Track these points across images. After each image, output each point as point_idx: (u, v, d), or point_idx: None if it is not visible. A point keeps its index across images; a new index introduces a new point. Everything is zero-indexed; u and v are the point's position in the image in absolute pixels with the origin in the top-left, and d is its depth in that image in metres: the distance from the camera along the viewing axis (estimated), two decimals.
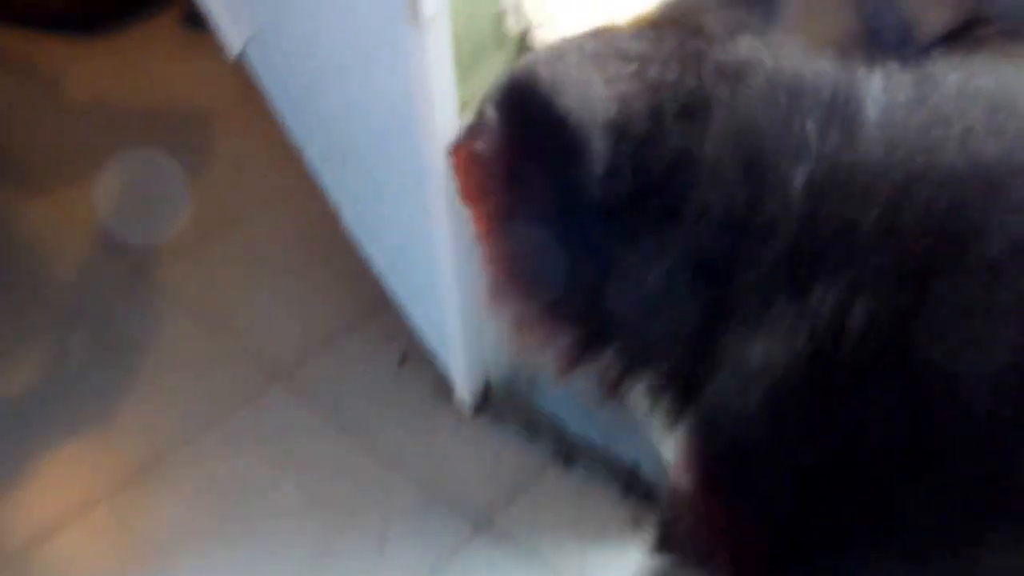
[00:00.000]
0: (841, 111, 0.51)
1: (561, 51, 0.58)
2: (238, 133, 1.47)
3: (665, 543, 0.83)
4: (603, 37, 0.58)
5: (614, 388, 0.61)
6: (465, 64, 0.75)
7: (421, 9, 0.69)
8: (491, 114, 0.59)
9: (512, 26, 0.78)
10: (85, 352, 1.17)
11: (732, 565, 0.62)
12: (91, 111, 1.56)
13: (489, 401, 1.05)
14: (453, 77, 0.74)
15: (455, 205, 0.81)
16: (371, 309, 1.17)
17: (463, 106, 0.78)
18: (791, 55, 0.53)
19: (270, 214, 1.35)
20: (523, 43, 0.80)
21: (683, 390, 0.59)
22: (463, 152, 0.64)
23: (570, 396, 0.93)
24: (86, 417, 1.09)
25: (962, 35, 0.56)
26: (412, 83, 0.74)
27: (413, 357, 1.12)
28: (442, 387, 1.07)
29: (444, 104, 0.75)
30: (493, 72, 0.78)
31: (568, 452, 0.99)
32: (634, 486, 0.95)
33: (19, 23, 1.67)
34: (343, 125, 0.90)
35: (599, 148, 0.52)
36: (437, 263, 0.88)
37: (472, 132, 0.62)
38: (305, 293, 1.22)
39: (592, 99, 0.53)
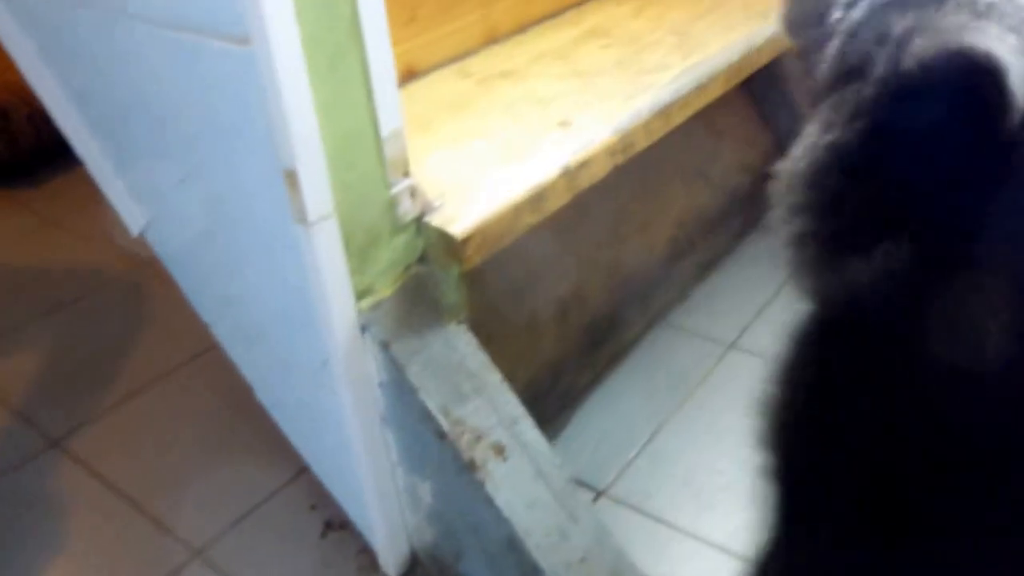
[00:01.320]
0: None
1: None
2: (155, 296, 1.56)
3: None
4: None
5: None
6: (360, 255, 0.85)
7: (307, 211, 0.79)
8: None
9: (407, 212, 0.88)
10: None
11: None
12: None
13: (415, 571, 1.11)
14: (347, 270, 0.84)
15: (361, 386, 0.89)
16: (294, 477, 1.23)
17: (362, 294, 0.87)
18: None
19: (188, 380, 1.42)
20: (420, 226, 0.90)
21: None
22: None
23: (495, 564, 1.00)
24: None
25: None
26: (307, 277, 0.83)
27: (337, 526, 1.18)
28: (367, 557, 1.13)
29: (340, 295, 0.84)
30: (391, 258, 0.88)
31: None
32: None
33: None
34: (246, 309, 0.99)
35: None
36: (348, 441, 0.95)
37: None
38: (225, 461, 1.29)
39: None
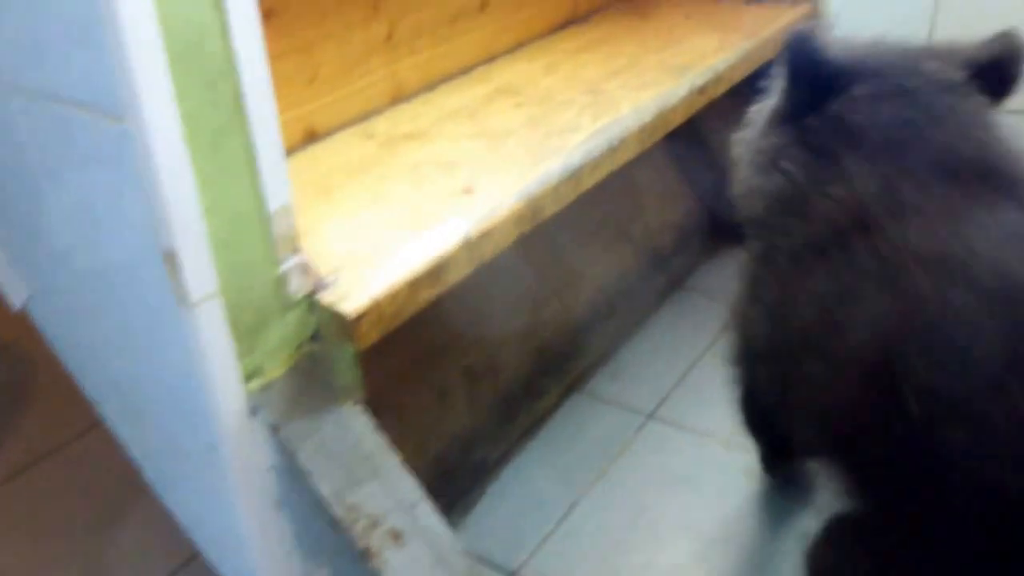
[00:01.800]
0: None
1: None
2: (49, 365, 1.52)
3: None
4: None
5: None
6: (248, 335, 0.84)
7: (189, 293, 0.78)
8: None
9: (297, 289, 0.88)
10: None
11: None
12: None
13: None
14: (234, 351, 0.83)
15: (251, 471, 0.89)
16: (184, 563, 1.21)
17: (251, 375, 0.86)
18: None
19: (78, 456, 1.39)
20: (312, 304, 0.90)
21: None
22: None
23: None
24: None
25: None
26: (192, 359, 0.82)
27: None
28: None
29: (227, 377, 0.83)
30: (282, 337, 0.88)
31: None
32: None
33: None
34: (132, 390, 0.97)
35: None
36: (240, 527, 0.94)
37: None
38: (112, 543, 1.25)
39: None
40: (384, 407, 1.10)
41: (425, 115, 1.32)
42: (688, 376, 1.45)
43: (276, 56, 1.16)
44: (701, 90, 1.36)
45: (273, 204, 0.82)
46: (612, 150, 1.19)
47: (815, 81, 0.85)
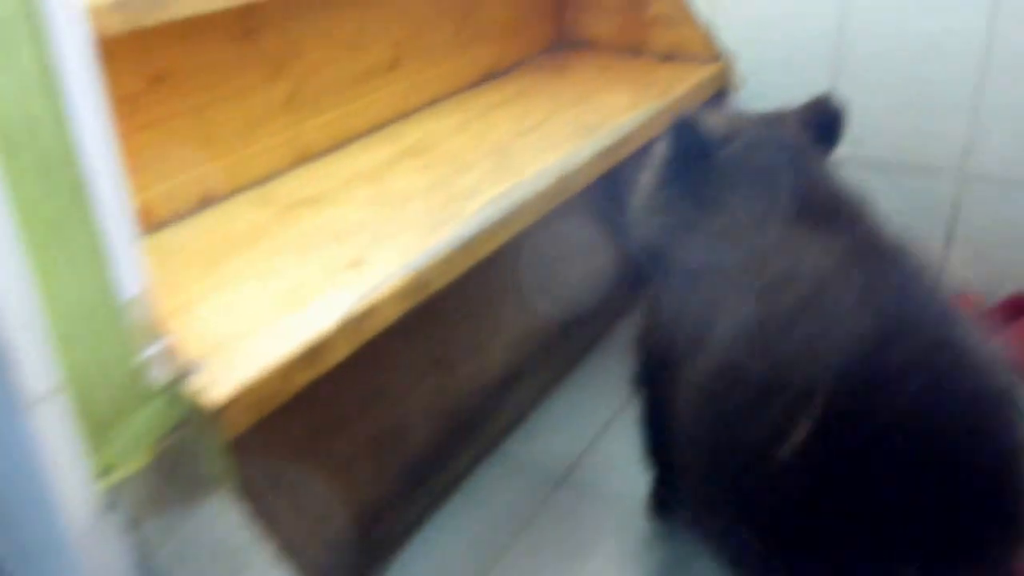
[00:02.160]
0: None
1: None
2: None
3: None
4: None
5: None
6: (100, 430, 0.80)
7: (28, 391, 0.74)
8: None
9: (158, 378, 0.84)
10: None
11: None
12: None
13: None
14: (83, 447, 0.79)
15: (106, 573, 0.83)
16: None
17: (104, 471, 0.82)
18: None
19: None
20: (174, 393, 0.86)
21: None
22: None
23: None
24: None
25: None
26: (34, 458, 0.77)
27: None
28: None
29: (73, 475, 0.79)
30: (140, 429, 0.83)
31: None
32: None
33: None
34: None
35: None
36: None
37: None
38: None
39: None
40: (277, 487, 1.05)
41: (328, 178, 1.28)
42: (601, 439, 1.41)
43: (168, 118, 1.13)
44: (606, 152, 1.34)
45: (125, 293, 0.78)
46: (508, 218, 1.16)
47: (693, 151, 1.05)
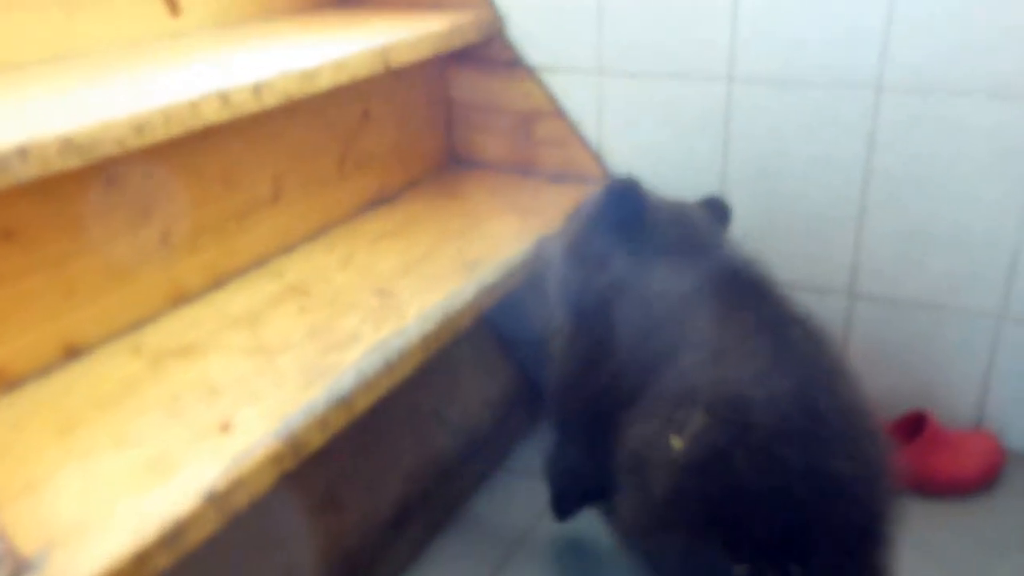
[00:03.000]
0: None
1: None
2: None
3: None
4: None
5: None
6: None
7: None
8: None
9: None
10: None
11: None
12: None
13: None
14: None
15: None
16: None
17: None
18: None
19: None
20: None
21: None
22: None
23: None
24: None
25: None
26: None
27: None
28: None
29: None
30: None
31: None
32: None
33: None
34: None
35: None
36: None
37: None
38: None
39: None
40: None
41: (204, 321, 1.23)
42: (505, 568, 1.36)
43: (20, 273, 1.06)
44: (492, 289, 1.31)
45: None
46: (389, 367, 1.12)
47: (632, 211, 1.16)
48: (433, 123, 1.78)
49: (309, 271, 1.38)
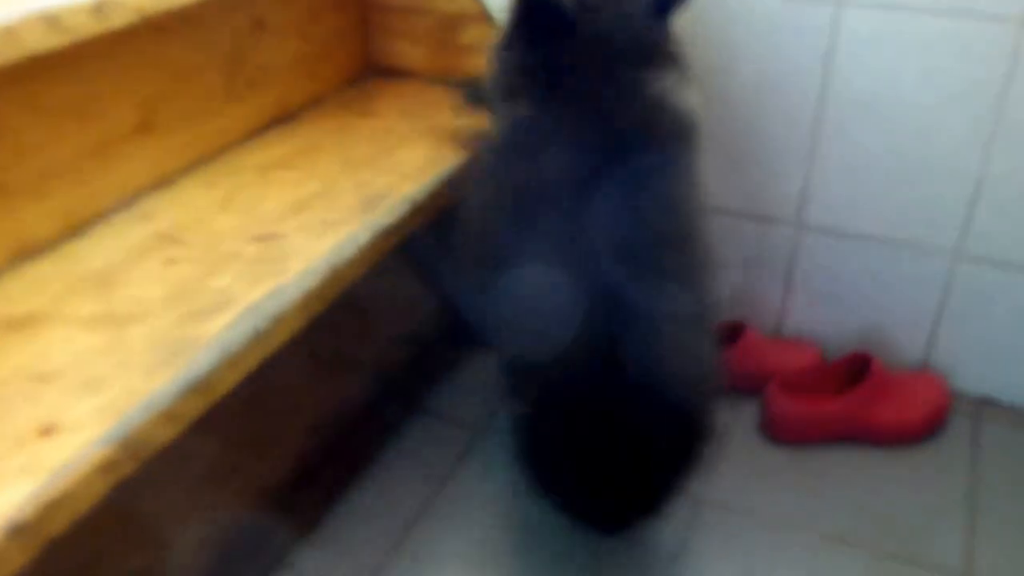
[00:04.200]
0: None
1: None
2: None
3: None
4: None
5: None
6: None
7: None
8: None
9: None
10: None
11: None
12: None
13: None
14: None
15: None
16: None
17: None
18: None
19: None
20: None
21: None
22: None
23: None
24: None
25: None
26: None
27: None
28: None
29: None
30: None
31: None
32: None
33: None
34: None
35: None
36: None
37: None
38: None
39: None
40: None
41: (50, 282, 1.03)
42: (414, 528, 1.22)
43: None
44: (388, 232, 1.13)
45: None
46: (261, 337, 0.94)
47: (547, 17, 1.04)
48: (343, 30, 1.55)
49: (184, 213, 1.18)
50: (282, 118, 1.45)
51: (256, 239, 1.11)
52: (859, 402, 1.35)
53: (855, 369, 1.42)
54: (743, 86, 1.39)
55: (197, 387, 0.87)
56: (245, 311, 0.96)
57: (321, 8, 1.49)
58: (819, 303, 1.49)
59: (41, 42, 0.91)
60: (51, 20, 0.90)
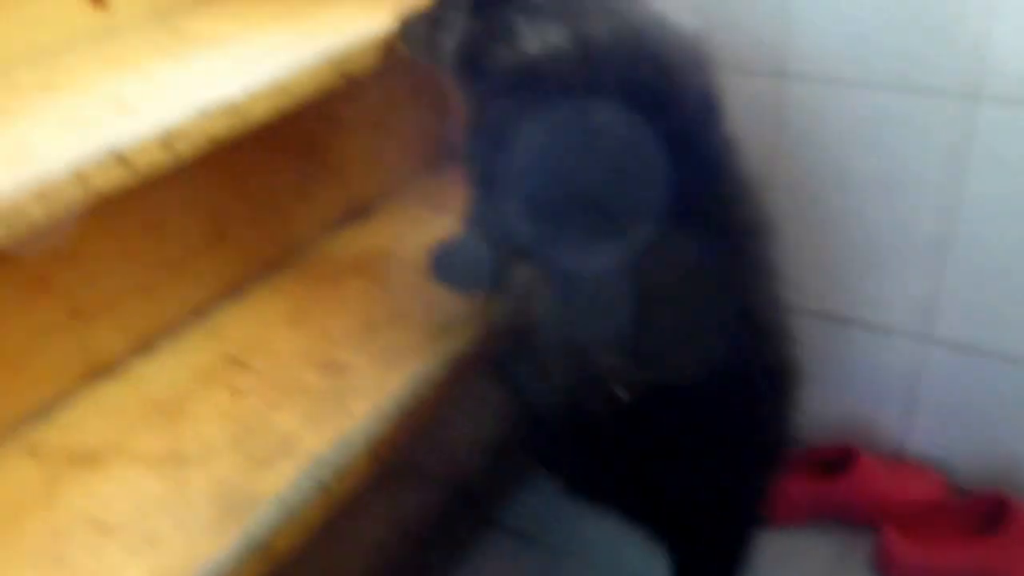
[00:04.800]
0: None
1: None
2: None
3: None
4: None
5: None
6: None
7: None
8: None
9: None
10: None
11: None
12: None
13: None
14: None
15: None
16: None
17: None
18: None
19: None
20: None
21: None
22: None
23: None
24: None
25: None
26: None
27: None
28: None
29: None
30: None
31: None
32: None
33: None
34: None
35: None
36: None
37: None
38: None
39: None
40: None
41: (120, 407, 1.05)
42: None
43: None
44: (464, 362, 1.12)
45: None
46: (326, 492, 0.93)
47: None
48: (418, 118, 1.54)
49: (251, 329, 1.18)
50: (356, 212, 1.45)
51: (321, 366, 1.11)
52: (996, 553, 1.25)
53: (991, 511, 1.31)
54: (865, 181, 1.33)
55: (258, 549, 0.87)
56: (309, 464, 0.96)
57: (396, 98, 1.48)
58: (947, 427, 1.40)
59: (112, 181, 0.91)
60: (121, 159, 0.91)
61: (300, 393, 1.06)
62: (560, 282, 0.97)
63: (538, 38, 0.95)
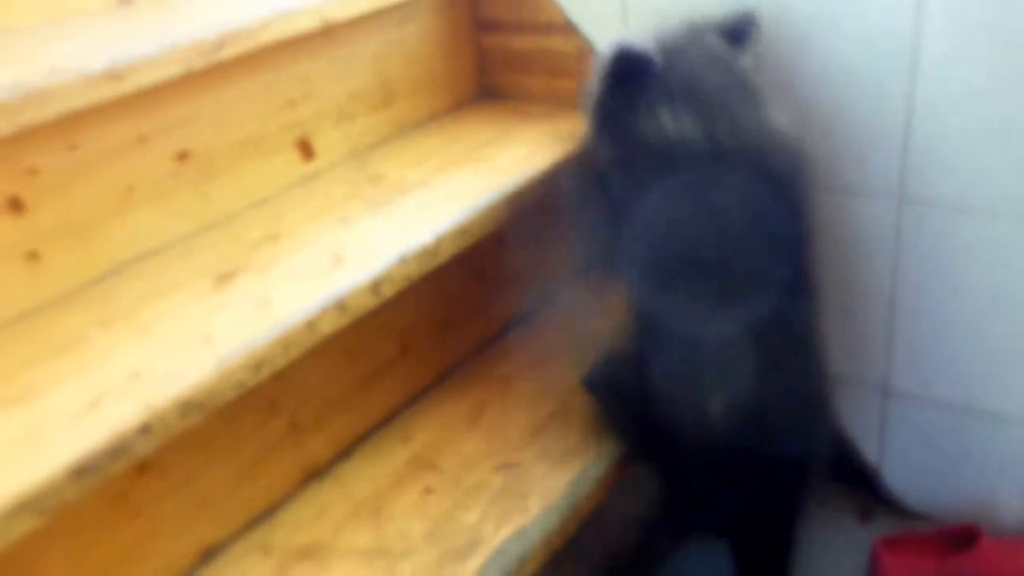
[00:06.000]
0: None
1: None
2: None
3: None
4: None
5: None
6: None
7: None
8: None
9: None
10: None
11: None
12: None
13: None
14: None
15: None
16: None
17: None
18: None
19: None
20: None
21: None
22: None
23: None
24: None
25: None
26: None
27: None
28: None
29: None
30: None
31: None
32: None
33: None
34: None
35: None
36: None
37: None
38: None
39: None
40: None
41: (331, 508, 1.30)
42: None
43: (156, 499, 1.15)
44: (625, 461, 1.32)
45: None
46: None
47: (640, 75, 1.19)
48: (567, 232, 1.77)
49: (436, 432, 1.42)
50: (520, 319, 1.68)
51: (499, 467, 1.33)
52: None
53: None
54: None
55: None
56: (494, 554, 1.18)
57: (548, 214, 1.71)
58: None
59: (333, 325, 1.17)
60: (341, 307, 1.17)
61: (482, 491, 1.29)
62: (683, 344, 1.20)
63: (674, 122, 1.17)
